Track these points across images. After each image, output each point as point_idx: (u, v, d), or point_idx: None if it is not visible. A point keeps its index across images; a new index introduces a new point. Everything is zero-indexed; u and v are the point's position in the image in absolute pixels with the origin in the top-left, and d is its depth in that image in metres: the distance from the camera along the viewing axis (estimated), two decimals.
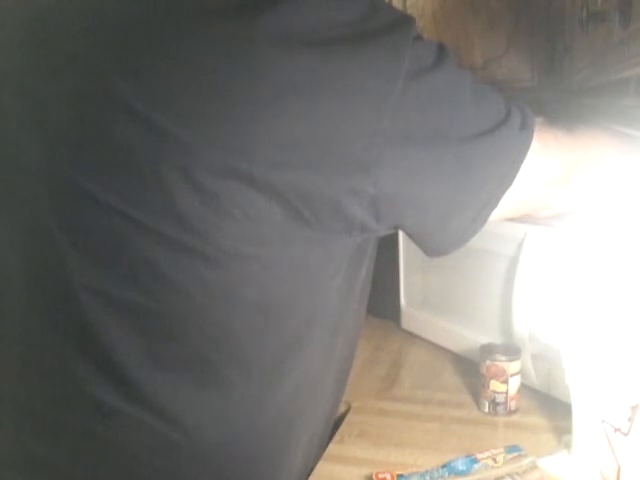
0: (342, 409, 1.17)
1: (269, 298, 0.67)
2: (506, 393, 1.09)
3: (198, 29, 0.58)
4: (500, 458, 0.95)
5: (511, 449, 0.97)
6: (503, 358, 1.09)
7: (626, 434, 0.85)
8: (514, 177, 0.68)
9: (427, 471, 0.93)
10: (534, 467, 0.93)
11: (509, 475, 0.91)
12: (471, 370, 1.20)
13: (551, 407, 1.10)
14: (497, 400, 1.10)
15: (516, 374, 1.09)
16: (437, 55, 0.64)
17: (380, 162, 0.60)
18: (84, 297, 0.63)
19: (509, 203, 0.70)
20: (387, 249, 1.54)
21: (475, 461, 0.95)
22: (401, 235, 1.45)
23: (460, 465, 0.94)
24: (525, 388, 1.13)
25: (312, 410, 0.83)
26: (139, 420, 0.67)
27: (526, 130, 0.69)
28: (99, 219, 0.61)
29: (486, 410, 1.11)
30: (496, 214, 0.70)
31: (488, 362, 1.09)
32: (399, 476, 0.92)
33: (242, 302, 0.65)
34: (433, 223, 0.69)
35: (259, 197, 0.59)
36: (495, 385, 1.09)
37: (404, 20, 0.62)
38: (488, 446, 0.98)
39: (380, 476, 0.92)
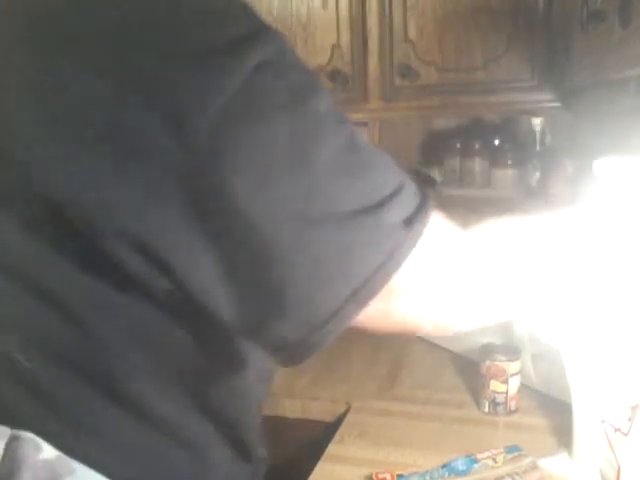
0: (342, 409, 1.17)
1: None
2: (506, 393, 1.09)
3: None
4: (500, 458, 0.95)
5: (511, 449, 0.97)
6: (503, 358, 1.09)
7: (626, 434, 0.85)
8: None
9: (427, 471, 0.93)
10: (534, 467, 0.93)
11: (509, 475, 0.91)
12: (471, 370, 1.20)
13: (551, 407, 1.10)
14: (497, 400, 1.10)
15: (516, 374, 1.09)
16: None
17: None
18: None
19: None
20: None
21: (475, 461, 0.95)
22: None
23: (460, 465, 0.94)
24: (525, 388, 1.13)
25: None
26: None
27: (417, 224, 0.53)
28: None
29: (486, 410, 1.11)
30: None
31: (488, 362, 1.10)
32: (399, 476, 0.92)
33: None
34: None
35: None
36: (495, 385, 1.09)
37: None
38: (488, 446, 0.98)
39: (380, 476, 0.92)
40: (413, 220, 0.53)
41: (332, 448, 1.03)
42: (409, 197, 0.54)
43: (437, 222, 0.56)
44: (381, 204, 0.51)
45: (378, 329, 0.56)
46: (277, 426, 1.23)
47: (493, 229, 0.66)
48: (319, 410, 1.20)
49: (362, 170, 0.53)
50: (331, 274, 0.51)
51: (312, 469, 0.96)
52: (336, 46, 1.39)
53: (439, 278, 0.56)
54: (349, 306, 0.51)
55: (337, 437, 1.06)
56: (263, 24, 0.51)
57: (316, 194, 0.50)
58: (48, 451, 0.57)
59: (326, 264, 0.50)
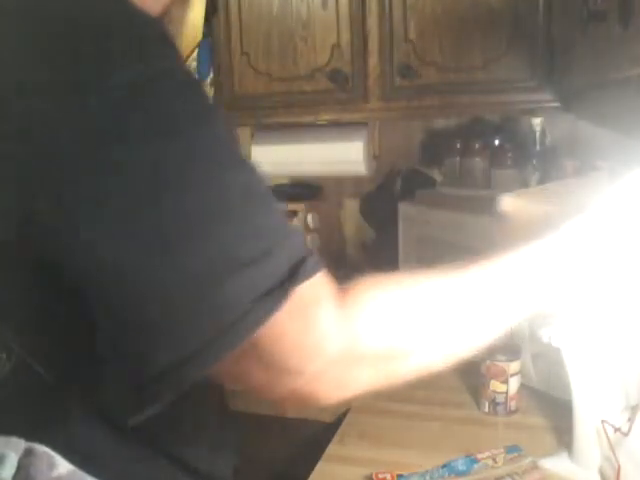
0: (342, 409, 1.17)
1: None
2: (506, 393, 1.09)
3: None
4: (500, 458, 0.95)
5: (511, 449, 0.97)
6: (503, 358, 1.09)
7: (626, 434, 0.85)
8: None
9: (427, 471, 0.93)
10: (534, 467, 0.93)
11: (509, 475, 0.91)
12: (471, 370, 1.20)
13: (551, 407, 1.10)
14: (497, 400, 1.10)
15: (516, 374, 1.09)
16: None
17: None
18: None
19: None
20: (387, 249, 1.54)
21: (475, 461, 0.95)
22: (401, 235, 1.45)
23: (460, 465, 0.94)
24: (525, 388, 1.13)
25: None
26: None
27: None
28: None
29: (486, 410, 1.11)
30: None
31: (488, 362, 1.10)
32: (399, 476, 0.92)
33: None
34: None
35: None
36: (495, 385, 1.09)
37: None
38: (488, 446, 0.98)
39: (380, 476, 0.92)
40: (272, 293, 0.47)
41: (332, 448, 1.03)
42: (272, 267, 0.47)
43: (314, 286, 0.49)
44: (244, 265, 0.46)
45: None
46: (277, 426, 1.24)
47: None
48: (319, 410, 1.20)
49: (237, 222, 0.48)
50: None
51: (312, 469, 0.96)
52: (336, 46, 1.39)
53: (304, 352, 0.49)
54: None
55: (337, 437, 1.06)
56: (149, 40, 0.48)
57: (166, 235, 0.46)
58: (62, 466, 0.55)
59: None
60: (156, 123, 0.46)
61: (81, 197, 0.46)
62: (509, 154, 1.31)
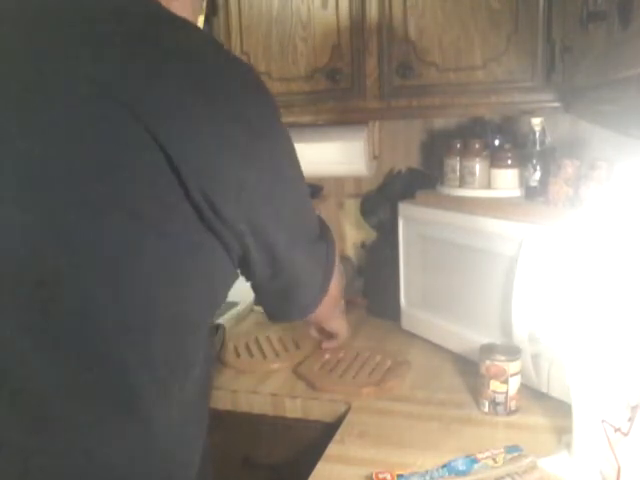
0: (342, 409, 1.17)
1: None
2: (506, 393, 1.09)
3: None
4: (500, 458, 0.95)
5: (511, 449, 0.97)
6: (503, 358, 1.09)
7: (626, 434, 0.85)
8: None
9: (427, 471, 0.93)
10: (534, 467, 0.93)
11: (509, 475, 0.91)
12: (471, 370, 1.20)
13: (551, 407, 1.10)
14: (497, 400, 1.10)
15: (516, 374, 1.09)
16: None
17: None
18: None
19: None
20: (387, 249, 1.54)
21: (475, 461, 0.95)
22: (401, 235, 1.45)
23: (460, 465, 0.94)
24: (525, 388, 1.13)
25: None
26: None
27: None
28: None
29: (486, 410, 1.11)
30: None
31: (488, 362, 1.09)
32: (399, 476, 0.92)
33: None
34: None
35: None
36: (495, 385, 1.09)
37: None
38: (488, 446, 0.98)
39: (380, 476, 0.92)
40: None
41: (332, 448, 1.03)
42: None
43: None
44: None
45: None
46: (277, 426, 1.24)
47: None
48: (319, 410, 1.20)
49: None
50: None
51: (312, 469, 0.96)
52: (336, 46, 1.39)
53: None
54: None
55: (337, 437, 1.06)
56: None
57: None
58: None
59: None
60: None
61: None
62: (509, 154, 1.31)
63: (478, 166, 1.33)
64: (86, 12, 0.67)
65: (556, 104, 1.26)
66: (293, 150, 0.80)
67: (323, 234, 0.92)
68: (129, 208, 0.64)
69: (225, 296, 0.83)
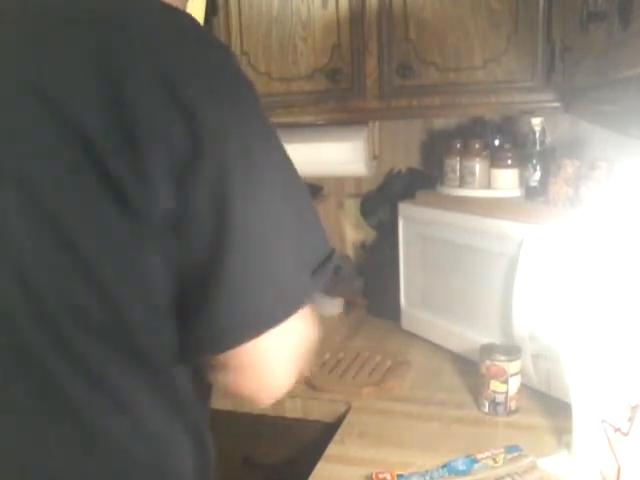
0: (342, 409, 1.17)
1: None
2: (506, 393, 1.09)
3: None
4: (500, 458, 0.95)
5: (511, 449, 0.97)
6: (503, 358, 1.09)
7: (626, 434, 0.85)
8: None
9: (427, 471, 0.93)
10: (534, 467, 0.93)
11: (509, 475, 0.91)
12: (471, 370, 1.20)
13: (551, 407, 1.10)
14: (497, 400, 1.10)
15: (516, 374, 1.09)
16: None
17: None
18: None
19: None
20: (387, 249, 1.54)
21: (475, 461, 0.95)
22: (401, 235, 1.45)
23: (460, 465, 0.94)
24: (525, 388, 1.13)
25: None
26: None
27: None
28: None
29: (486, 410, 1.11)
30: None
31: (488, 362, 1.09)
32: (399, 476, 0.92)
33: None
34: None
35: None
36: (495, 385, 1.09)
37: None
38: (488, 446, 0.98)
39: (380, 476, 0.92)
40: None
41: (332, 448, 1.03)
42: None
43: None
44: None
45: None
46: (277, 426, 1.23)
47: None
48: (319, 410, 1.20)
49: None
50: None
51: (312, 469, 0.96)
52: (336, 46, 1.39)
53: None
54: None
55: (337, 437, 1.06)
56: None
57: None
58: None
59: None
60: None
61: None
62: (509, 154, 1.31)
63: (478, 166, 1.33)
64: (86, 12, 0.67)
65: (556, 104, 1.26)
66: (275, 138, 0.67)
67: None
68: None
69: None
